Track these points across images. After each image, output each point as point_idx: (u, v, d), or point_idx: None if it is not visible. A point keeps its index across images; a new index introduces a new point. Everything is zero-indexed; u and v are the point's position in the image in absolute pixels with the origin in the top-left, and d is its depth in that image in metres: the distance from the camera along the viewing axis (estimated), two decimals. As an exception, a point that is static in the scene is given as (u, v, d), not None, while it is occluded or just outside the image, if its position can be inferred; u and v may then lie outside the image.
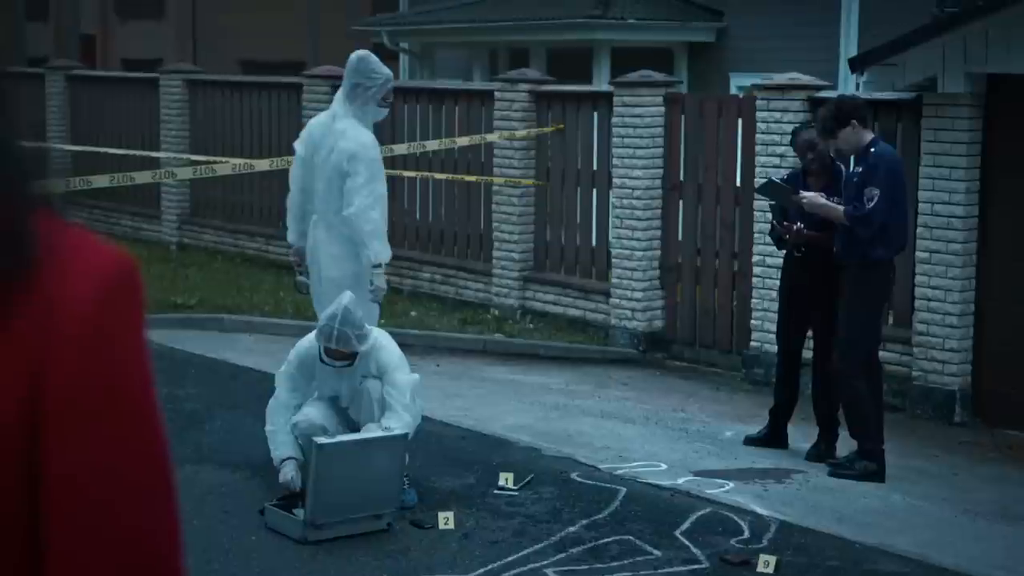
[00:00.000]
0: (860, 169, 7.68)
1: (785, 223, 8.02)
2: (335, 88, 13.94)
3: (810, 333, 8.25)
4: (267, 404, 6.94)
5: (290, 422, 6.78)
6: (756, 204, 10.06)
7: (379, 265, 7.47)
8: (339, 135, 7.53)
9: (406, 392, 6.69)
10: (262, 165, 11.88)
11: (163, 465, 1.34)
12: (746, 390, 9.99)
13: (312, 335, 6.83)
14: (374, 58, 7.64)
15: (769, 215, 8.81)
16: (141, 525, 1.30)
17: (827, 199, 7.77)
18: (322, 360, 6.71)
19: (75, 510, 1.28)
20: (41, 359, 1.26)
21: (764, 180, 8.83)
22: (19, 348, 1.26)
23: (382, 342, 6.80)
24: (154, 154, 14.72)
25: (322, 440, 6.40)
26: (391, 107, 7.91)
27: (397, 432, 6.56)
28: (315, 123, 7.85)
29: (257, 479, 7.23)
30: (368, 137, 7.55)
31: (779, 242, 8.34)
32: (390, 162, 12.85)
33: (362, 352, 6.67)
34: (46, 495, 1.28)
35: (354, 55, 7.70)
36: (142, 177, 11.18)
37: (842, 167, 8.15)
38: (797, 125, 8.94)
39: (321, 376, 6.84)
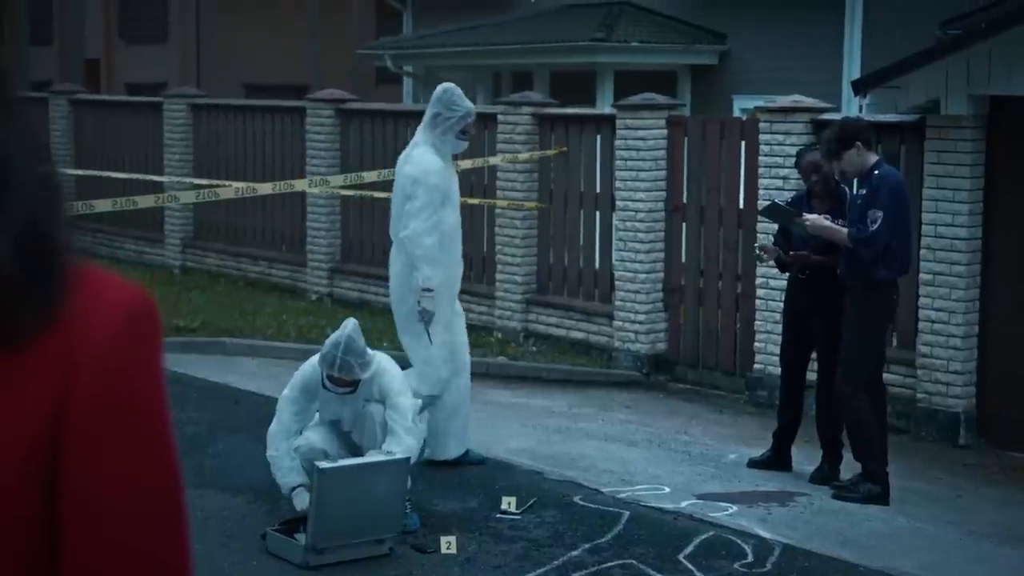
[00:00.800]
0: (864, 191, 7.68)
1: (792, 252, 8.01)
2: (338, 112, 14.14)
3: (814, 355, 8.22)
4: (269, 428, 6.92)
5: (292, 446, 6.76)
6: (759, 226, 10.04)
7: (429, 289, 7.67)
8: (407, 160, 7.83)
9: (408, 415, 6.69)
10: (265, 189, 11.88)
11: (176, 490, 1.39)
12: (750, 412, 9.96)
13: (315, 359, 6.82)
14: (458, 91, 7.85)
15: (772, 238, 8.78)
16: (154, 547, 1.35)
17: (831, 221, 7.76)
18: (324, 387, 6.70)
19: (91, 531, 1.32)
20: (63, 389, 1.31)
21: (768, 202, 8.82)
22: (43, 379, 1.31)
23: (385, 366, 6.80)
24: (157, 178, 14.74)
25: (323, 464, 6.38)
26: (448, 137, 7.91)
27: (399, 456, 6.55)
28: (402, 154, 8.11)
29: (259, 503, 7.20)
30: (433, 164, 7.71)
31: (781, 265, 8.34)
32: (392, 185, 12.85)
33: (362, 381, 6.66)
34: (64, 516, 1.33)
35: (440, 86, 7.97)
36: (145, 201, 11.19)
37: (846, 189, 8.14)
38: (801, 147, 8.94)
39: (323, 400, 6.82)
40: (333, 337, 6.68)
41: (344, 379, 6.63)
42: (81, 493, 1.32)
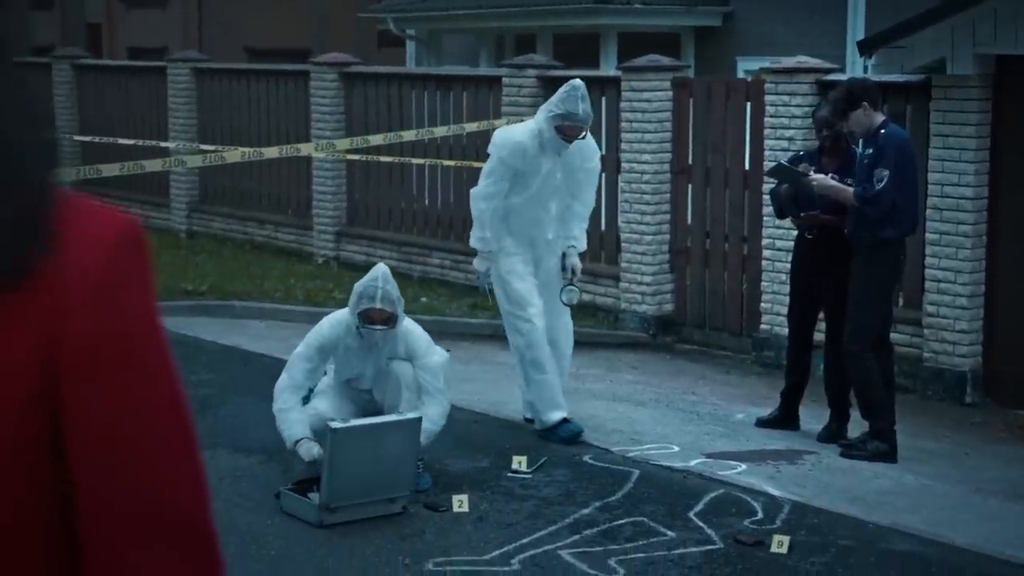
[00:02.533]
0: (870, 151, 7.69)
1: (803, 214, 8.04)
2: (342, 76, 14.11)
3: (822, 315, 8.26)
4: (276, 383, 6.91)
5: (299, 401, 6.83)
6: (765, 187, 10.06)
7: (487, 251, 7.94)
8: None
9: (440, 376, 6.83)
10: (271, 153, 11.90)
11: (182, 411, 1.37)
12: (756, 372, 10.01)
13: (333, 318, 6.86)
14: (577, 94, 7.76)
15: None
16: (165, 473, 1.33)
17: (838, 180, 7.79)
18: (360, 328, 6.71)
19: (99, 462, 1.31)
20: (57, 321, 1.30)
21: (774, 163, 8.84)
22: (35, 314, 1.30)
23: (410, 327, 6.92)
24: (163, 144, 14.74)
25: (336, 424, 6.42)
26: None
27: (411, 416, 6.60)
28: None
29: (272, 463, 7.27)
30: (513, 139, 7.87)
31: (780, 212, 8.38)
32: (399, 148, 12.89)
33: (399, 317, 6.73)
34: (71, 452, 1.31)
35: (572, 80, 7.98)
36: (152, 165, 11.20)
37: (856, 149, 8.16)
38: (817, 103, 8.94)
39: (344, 357, 6.85)
40: (367, 276, 6.79)
41: (385, 311, 6.67)
42: (87, 426, 1.31)
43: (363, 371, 6.88)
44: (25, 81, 1.40)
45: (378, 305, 6.65)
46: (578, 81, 7.94)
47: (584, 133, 7.86)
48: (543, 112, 7.89)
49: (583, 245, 8.25)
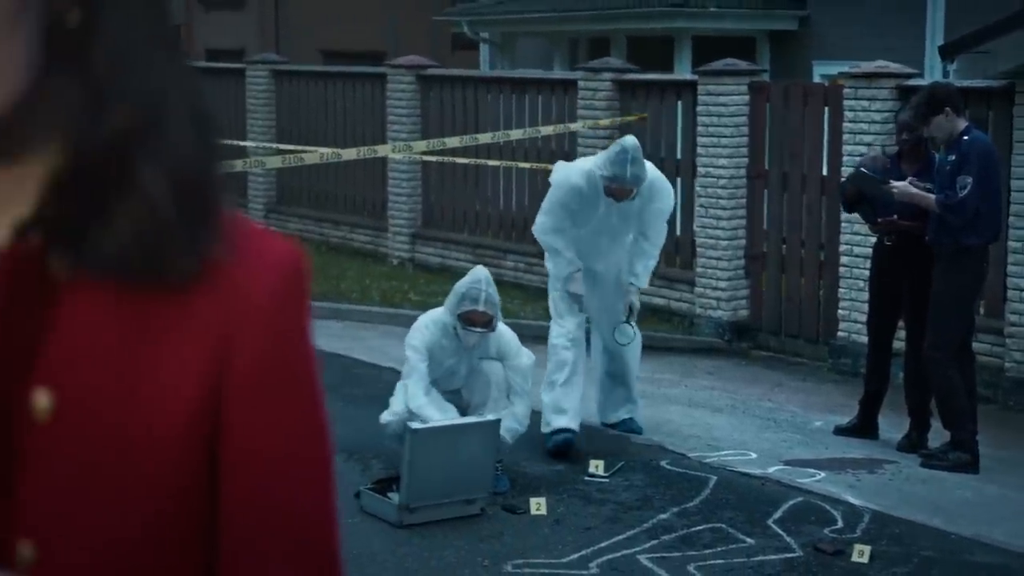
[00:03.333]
0: (953, 157, 7.62)
1: (880, 220, 7.99)
2: (419, 78, 14.20)
3: (901, 323, 8.20)
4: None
5: (384, 419, 6.92)
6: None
7: (576, 271, 7.85)
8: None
9: (528, 377, 6.98)
10: (349, 154, 11.99)
11: (329, 447, 1.37)
12: (833, 380, 9.94)
13: (429, 318, 6.94)
14: (626, 156, 7.57)
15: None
16: (315, 503, 1.34)
17: (919, 186, 7.72)
18: (459, 329, 6.80)
19: (256, 492, 1.30)
20: (227, 337, 1.29)
21: (853, 170, 8.78)
22: (205, 327, 1.28)
23: (500, 328, 7.03)
24: (242, 143, 14.90)
25: (416, 425, 6.49)
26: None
27: (490, 418, 6.66)
28: None
29: (352, 463, 7.33)
30: (568, 181, 7.77)
31: (848, 207, 8.34)
32: (474, 151, 12.94)
33: (497, 319, 6.84)
34: (225, 480, 1.30)
35: (624, 138, 7.91)
36: (232, 166, 11.34)
37: (935, 154, 8.09)
38: (900, 107, 8.88)
39: (438, 356, 6.94)
40: (469, 278, 6.88)
41: (487, 314, 6.79)
42: (248, 455, 1.29)
43: (456, 369, 6.96)
44: (192, 72, 1.38)
45: (481, 308, 6.75)
46: (630, 141, 7.73)
47: (635, 193, 7.66)
48: (595, 162, 7.80)
49: (645, 283, 8.14)
